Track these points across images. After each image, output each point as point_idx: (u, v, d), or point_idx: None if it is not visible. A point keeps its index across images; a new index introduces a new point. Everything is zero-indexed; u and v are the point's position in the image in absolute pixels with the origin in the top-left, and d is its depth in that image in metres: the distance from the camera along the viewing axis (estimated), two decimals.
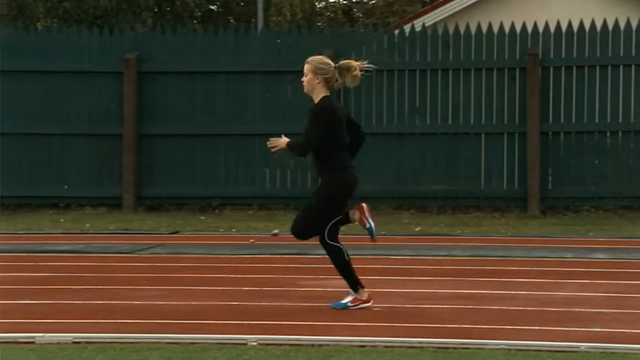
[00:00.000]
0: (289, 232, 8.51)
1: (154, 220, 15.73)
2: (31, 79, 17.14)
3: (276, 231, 14.15)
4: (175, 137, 17.15)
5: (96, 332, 7.19)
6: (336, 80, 8.32)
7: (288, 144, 8.41)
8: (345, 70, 8.31)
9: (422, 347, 6.85)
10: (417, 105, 16.83)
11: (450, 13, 20.33)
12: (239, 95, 17.19)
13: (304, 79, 8.32)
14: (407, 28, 17.66)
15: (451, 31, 16.88)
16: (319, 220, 8.26)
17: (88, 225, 15.07)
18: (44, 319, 7.73)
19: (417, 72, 16.78)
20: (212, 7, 28.38)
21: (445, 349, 6.82)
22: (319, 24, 28.84)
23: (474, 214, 16.40)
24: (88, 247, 12.51)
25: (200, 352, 6.65)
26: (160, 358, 6.48)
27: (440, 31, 17.00)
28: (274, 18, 27.21)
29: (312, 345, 6.87)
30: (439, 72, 16.76)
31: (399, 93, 16.88)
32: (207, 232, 14.39)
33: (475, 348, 6.86)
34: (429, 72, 16.77)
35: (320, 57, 8.43)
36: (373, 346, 6.86)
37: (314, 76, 8.27)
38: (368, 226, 8.46)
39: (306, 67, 8.31)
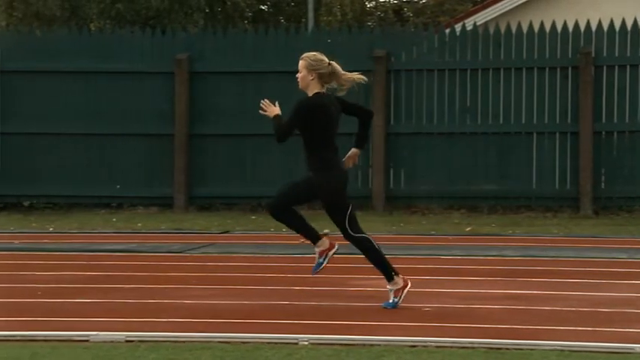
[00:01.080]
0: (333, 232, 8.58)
1: (204, 219, 15.80)
2: (86, 80, 17.29)
3: (326, 230, 14.10)
4: (226, 137, 17.22)
5: (148, 331, 7.23)
6: (329, 76, 8.25)
7: (274, 117, 8.37)
8: (336, 75, 8.26)
9: (473, 348, 6.82)
10: (468, 104, 16.76)
11: (502, 11, 20.22)
12: (289, 95, 17.16)
13: (298, 75, 8.31)
14: (458, 27, 17.58)
15: (503, 30, 16.78)
16: (342, 217, 8.24)
17: (139, 224, 15.18)
18: (97, 317, 7.80)
19: (468, 71, 16.71)
20: (263, 8, 28.45)
21: (497, 349, 6.78)
22: (369, 23, 28.79)
23: (526, 214, 16.29)
24: (139, 247, 12.60)
25: (252, 352, 6.67)
26: (212, 357, 6.50)
27: (491, 30, 16.91)
28: (325, 18, 27.24)
29: (364, 345, 6.86)
30: (490, 71, 16.67)
31: (449, 92, 16.81)
32: (257, 231, 14.43)
33: (527, 349, 6.81)
34: (480, 71, 16.69)
35: (314, 53, 8.40)
36: (424, 346, 6.84)
37: (308, 72, 8.28)
38: (321, 260, 8.36)
39: (301, 63, 8.33)
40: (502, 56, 16.65)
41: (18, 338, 6.99)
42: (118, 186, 17.27)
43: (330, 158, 8.33)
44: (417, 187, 16.88)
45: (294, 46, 17.27)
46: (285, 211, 8.37)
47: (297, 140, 17.36)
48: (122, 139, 17.24)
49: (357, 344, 6.88)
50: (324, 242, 8.42)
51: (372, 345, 6.85)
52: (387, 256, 11.51)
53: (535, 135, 16.62)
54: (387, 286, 8.33)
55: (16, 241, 13.16)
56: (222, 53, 17.36)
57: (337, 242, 8.52)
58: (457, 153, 16.73)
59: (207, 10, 25.52)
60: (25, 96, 17.35)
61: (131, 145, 17.25)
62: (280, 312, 8.13)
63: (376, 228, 14.73)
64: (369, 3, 32.07)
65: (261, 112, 8.47)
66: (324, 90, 8.33)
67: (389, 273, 8.33)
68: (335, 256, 11.59)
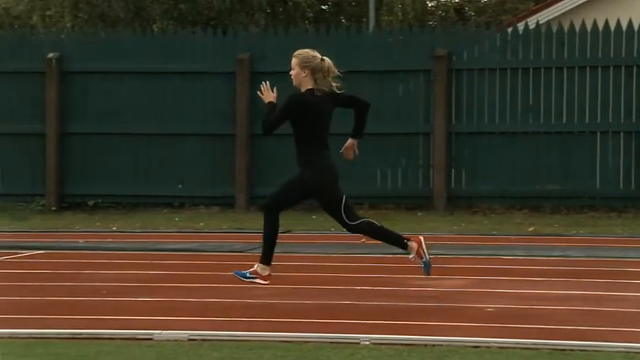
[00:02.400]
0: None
1: None
2: (149, 80, 17.44)
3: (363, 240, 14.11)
4: (286, 137, 17.03)
5: (211, 330, 7.27)
6: (323, 73, 8.25)
7: (268, 104, 8.39)
8: (329, 72, 8.26)
9: (537, 349, 6.76)
10: (531, 103, 16.64)
11: (564, 10, 20.05)
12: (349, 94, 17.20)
13: (292, 72, 8.33)
14: (520, 25, 17.47)
15: (566, 28, 16.63)
16: (336, 210, 8.30)
17: (201, 224, 15.28)
18: (161, 316, 7.86)
19: (531, 70, 16.59)
20: (324, 7, 28.47)
21: (561, 350, 6.72)
22: (431, 23, 28.70)
23: (589, 214, 16.13)
24: (202, 246, 12.68)
25: (313, 351, 6.68)
26: (274, 356, 6.52)
27: (554, 29, 16.77)
28: (386, 17, 27.19)
29: (425, 345, 6.84)
30: (553, 70, 16.53)
31: (511, 92, 16.70)
32: (318, 231, 14.46)
33: (592, 350, 6.74)
34: (542, 70, 16.56)
35: (307, 50, 8.47)
36: (487, 346, 6.79)
37: (301, 69, 8.33)
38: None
39: (293, 60, 8.39)
40: (565, 55, 16.50)
41: (84, 336, 7.08)
42: (181, 186, 17.39)
43: (319, 154, 8.38)
44: (478, 186, 16.79)
45: (355, 46, 17.28)
46: (279, 211, 8.37)
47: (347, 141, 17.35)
48: (184, 139, 17.36)
49: (419, 344, 6.85)
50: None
51: (434, 345, 6.83)
52: (446, 256, 11.49)
53: (599, 134, 16.44)
54: (409, 257, 8.41)
55: (81, 240, 13.33)
56: (284, 53, 17.34)
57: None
58: (519, 152, 16.61)
59: (268, 10, 25.60)
60: (90, 96, 17.56)
61: (193, 145, 17.37)
62: (341, 312, 8.13)
63: (437, 228, 14.70)
64: (430, 2, 31.95)
65: (258, 92, 8.49)
66: (317, 86, 8.29)
67: (402, 243, 8.43)
68: (396, 256, 11.61)
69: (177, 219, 15.99)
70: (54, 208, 17.27)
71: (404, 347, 6.79)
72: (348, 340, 6.98)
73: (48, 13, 26.33)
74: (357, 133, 8.68)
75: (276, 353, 6.59)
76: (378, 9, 26.14)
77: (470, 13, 32.36)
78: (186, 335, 7.06)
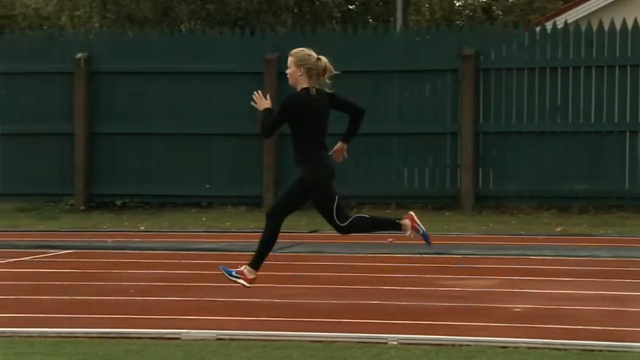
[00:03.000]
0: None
1: (293, 218, 15.70)
2: (177, 80, 17.50)
3: (390, 239, 14.10)
4: None
5: (239, 329, 7.28)
6: (319, 72, 8.26)
7: (263, 110, 8.40)
8: (325, 71, 8.27)
9: (565, 349, 6.73)
10: (559, 103, 16.57)
11: (593, 9, 19.95)
12: (377, 94, 17.20)
13: (288, 71, 8.35)
14: (548, 25, 17.39)
15: (594, 27, 16.55)
16: (328, 211, 8.34)
17: (229, 223, 15.31)
18: (189, 315, 7.88)
19: (559, 69, 16.52)
20: (351, 7, 28.47)
21: (590, 351, 6.69)
22: (458, 22, 28.63)
23: (618, 214, 16.04)
24: (229, 246, 12.70)
25: (341, 351, 6.67)
26: (303, 356, 6.53)
27: (583, 28, 16.69)
28: (413, 17, 27.16)
29: (453, 345, 6.82)
30: (582, 69, 16.46)
31: (539, 91, 16.65)
32: None
33: (621, 351, 6.70)
34: (571, 69, 16.49)
35: (302, 49, 8.47)
36: (515, 347, 6.77)
37: (297, 68, 8.32)
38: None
39: (289, 60, 8.38)
40: (594, 54, 16.43)
41: (112, 335, 7.11)
42: (208, 185, 17.44)
43: (314, 152, 8.37)
44: (506, 186, 16.74)
45: (383, 46, 17.27)
46: (281, 217, 8.47)
47: (381, 139, 17.40)
48: (212, 139, 17.41)
49: (447, 344, 6.84)
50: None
51: (461, 345, 6.81)
52: (474, 256, 11.46)
53: (628, 134, 16.36)
54: (407, 233, 8.43)
55: (109, 240, 13.39)
56: None
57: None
58: (547, 152, 16.55)
59: (295, 10, 25.63)
60: (118, 96, 17.64)
61: (221, 144, 17.41)
62: (369, 311, 8.12)
63: (465, 228, 14.67)
64: (457, 2, 31.88)
65: (252, 103, 8.50)
66: (313, 85, 8.30)
67: (396, 225, 8.46)
68: (424, 256, 11.60)
69: (204, 219, 16.03)
70: (82, 208, 17.36)
71: (432, 347, 6.78)
72: (376, 339, 6.98)
73: (77, 13, 26.48)
74: (347, 138, 8.68)
75: (304, 353, 6.60)
76: (405, 8, 26.12)
77: (497, 12, 32.27)
78: (214, 335, 7.07)
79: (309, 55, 8.33)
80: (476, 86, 16.70)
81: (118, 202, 17.60)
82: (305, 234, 14.20)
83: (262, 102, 8.46)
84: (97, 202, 17.65)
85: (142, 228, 15.04)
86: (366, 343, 6.91)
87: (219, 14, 25.05)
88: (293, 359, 6.44)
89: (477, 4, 32.37)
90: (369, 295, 8.86)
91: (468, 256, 11.65)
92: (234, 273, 8.39)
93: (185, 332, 7.11)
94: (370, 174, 17.18)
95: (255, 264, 8.43)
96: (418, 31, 18.85)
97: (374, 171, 17.18)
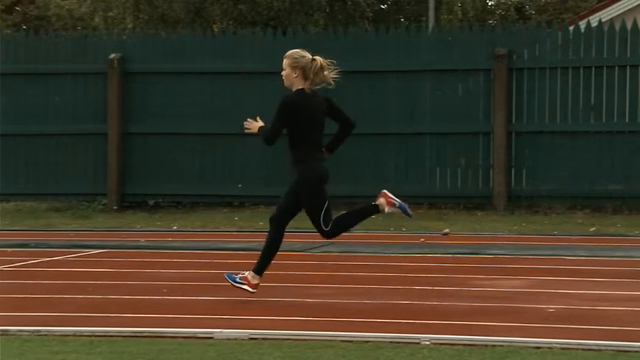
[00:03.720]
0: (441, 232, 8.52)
1: None
2: (209, 81, 17.55)
3: (446, 230, 14.09)
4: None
5: (271, 329, 7.29)
6: (314, 73, 8.25)
7: (259, 129, 8.40)
8: (321, 71, 8.25)
9: (600, 350, 6.69)
10: (592, 103, 16.47)
11: (627, 8, 19.84)
12: (409, 94, 17.18)
13: (283, 73, 8.35)
14: (582, 24, 17.30)
15: (629, 26, 16.44)
16: (316, 214, 8.33)
17: (261, 223, 15.32)
18: (221, 315, 7.90)
19: (593, 69, 16.42)
20: (383, 7, 28.44)
21: (625, 352, 6.64)
22: (491, 21, 28.54)
23: None
24: (261, 245, 12.68)
25: (374, 351, 6.67)
26: (335, 355, 6.52)
27: (617, 27, 16.58)
28: (445, 16, 27.09)
29: (486, 345, 6.79)
30: (616, 69, 16.36)
31: (573, 91, 16.56)
32: (378, 230, 14.44)
33: None
34: (605, 69, 16.39)
35: (297, 50, 8.45)
36: (549, 347, 6.73)
37: (292, 70, 8.32)
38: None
39: (284, 61, 8.38)
40: (628, 53, 16.32)
41: (145, 334, 7.14)
42: (240, 185, 17.48)
43: (310, 153, 8.40)
44: (539, 186, 16.67)
45: (415, 45, 17.24)
46: (284, 223, 8.53)
47: (413, 139, 17.38)
48: (244, 139, 17.43)
49: (480, 345, 6.82)
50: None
51: (494, 346, 6.78)
52: (507, 256, 11.42)
53: None
54: (386, 210, 8.48)
55: (142, 240, 13.45)
56: (343, 53, 17.41)
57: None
58: (581, 152, 16.46)
59: (327, 10, 25.63)
60: (150, 97, 17.72)
61: (253, 144, 17.44)
62: (401, 311, 8.11)
63: (497, 228, 14.62)
64: (490, 1, 31.78)
65: (246, 131, 8.51)
66: (308, 87, 8.31)
67: (374, 208, 8.51)
68: (457, 256, 11.57)
69: (237, 218, 16.06)
70: (115, 208, 17.44)
71: (464, 347, 6.76)
72: (409, 340, 6.96)
73: (110, 14, 26.61)
74: (332, 148, 8.68)
75: (336, 352, 6.59)
76: (437, 8, 26.07)
77: (530, 11, 32.15)
78: (247, 334, 7.09)
79: (304, 57, 8.35)
80: (508, 86, 16.63)
81: (151, 202, 17.68)
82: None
83: (254, 124, 8.53)
84: (130, 202, 17.73)
85: (175, 227, 15.09)
86: (398, 343, 6.90)
87: (251, 14, 25.09)
88: (325, 359, 6.44)
89: (509, 3, 32.26)
90: (401, 295, 8.85)
91: (500, 256, 11.61)
92: (237, 279, 8.42)
93: (218, 332, 7.12)
94: (402, 174, 17.15)
95: (259, 270, 8.46)
96: (451, 31, 18.79)
97: (406, 171, 17.16)
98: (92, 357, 6.45)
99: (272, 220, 8.60)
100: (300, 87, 8.34)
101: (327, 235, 8.50)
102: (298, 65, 8.30)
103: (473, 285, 9.51)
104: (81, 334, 7.13)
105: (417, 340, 6.93)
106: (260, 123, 8.53)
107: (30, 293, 8.99)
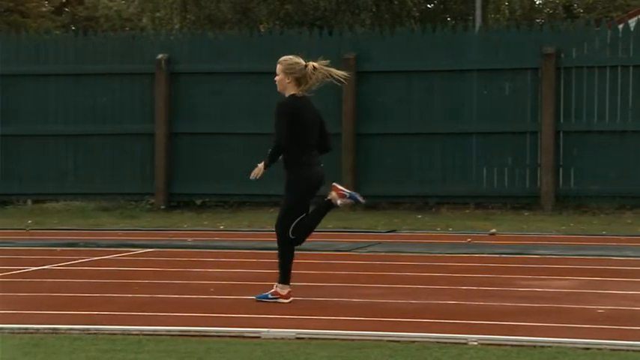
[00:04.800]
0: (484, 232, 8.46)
1: (371, 218, 15.86)
2: (256, 80, 17.59)
3: (493, 230, 14.02)
4: (391, 136, 17.25)
5: (318, 329, 7.30)
6: (309, 79, 8.33)
7: (265, 163, 8.59)
8: (314, 75, 8.31)
9: None
10: None
11: None
12: (456, 94, 17.12)
13: (276, 78, 8.49)
14: (631, 22, 17.14)
15: None
16: (290, 217, 8.43)
17: None
18: (268, 314, 7.92)
19: None
20: (429, 6, 28.35)
21: None
22: (538, 20, 28.37)
23: None
24: (307, 245, 12.61)
25: (421, 351, 6.65)
26: (382, 355, 6.52)
27: None
28: (492, 15, 26.96)
29: (534, 346, 6.75)
30: None
31: (622, 90, 16.41)
32: (424, 230, 14.41)
33: None
34: None
35: (291, 57, 8.54)
36: (598, 348, 6.68)
37: (285, 75, 8.48)
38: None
39: (278, 67, 8.53)
40: None
41: (193, 333, 7.17)
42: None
43: (304, 156, 8.51)
44: (587, 186, 16.54)
45: (461, 45, 17.17)
46: (295, 228, 8.51)
47: (460, 139, 17.29)
48: None
49: (528, 345, 6.78)
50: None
51: (542, 347, 6.74)
52: (555, 256, 11.34)
53: None
54: (338, 203, 8.52)
55: (189, 239, 13.51)
56: (389, 53, 17.39)
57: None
58: (630, 151, 16.31)
59: (374, 10, 25.59)
60: (197, 97, 17.80)
61: None
62: (448, 311, 8.09)
63: (545, 228, 14.53)
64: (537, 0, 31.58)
65: (252, 178, 8.55)
66: (301, 92, 8.41)
67: (329, 203, 8.50)
68: (503, 256, 11.51)
69: None
70: (162, 207, 17.54)
71: (512, 348, 6.72)
72: (456, 340, 6.94)
73: (157, 15, 26.77)
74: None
75: (383, 352, 6.59)
76: (484, 7, 25.95)
77: (579, 9, 31.90)
78: (294, 334, 7.10)
79: (297, 64, 8.47)
80: (556, 85, 16.52)
81: (198, 202, 17.76)
82: (383, 234, 14.19)
83: (258, 169, 8.58)
84: (177, 202, 17.82)
85: (222, 227, 15.15)
86: (445, 343, 6.88)
87: (298, 14, 25.12)
88: (372, 359, 6.43)
89: (557, 1, 32.04)
90: (448, 295, 8.82)
91: (547, 256, 11.53)
92: (270, 295, 8.46)
93: (265, 331, 7.14)
94: (449, 174, 17.10)
95: (284, 279, 8.50)
96: (498, 30, 18.69)
97: (452, 171, 17.10)
98: (140, 356, 6.50)
99: (277, 227, 8.62)
100: (292, 92, 8.47)
101: (292, 242, 8.48)
102: (291, 72, 8.40)
103: (520, 285, 9.46)
104: (129, 333, 7.18)
105: (465, 341, 6.90)
106: (261, 164, 8.62)
107: (79, 292, 9.07)
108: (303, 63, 8.46)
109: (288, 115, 8.43)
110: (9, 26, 29.45)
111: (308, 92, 8.51)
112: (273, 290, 8.54)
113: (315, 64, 8.46)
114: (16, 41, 18.71)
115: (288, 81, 8.47)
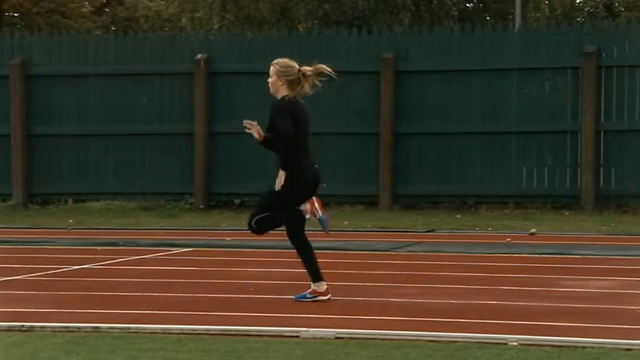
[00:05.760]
0: (538, 232, 8.42)
1: (409, 218, 15.83)
2: None
3: (533, 230, 13.95)
4: (430, 136, 17.21)
5: (357, 328, 7.30)
6: (300, 82, 8.40)
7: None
8: (308, 77, 8.35)
9: None
10: None
11: None
12: (495, 93, 17.06)
13: (269, 80, 8.52)
14: None
15: None
16: (265, 209, 8.40)
17: (346, 222, 15.34)
18: (307, 314, 7.93)
19: None
20: (469, 5, 28.24)
21: None
22: (579, 19, 28.18)
23: None
24: (346, 245, 12.74)
25: (460, 351, 6.63)
26: (421, 355, 6.50)
27: None
28: (532, 14, 26.81)
29: (575, 347, 6.71)
30: None
31: None
32: (463, 230, 14.36)
33: None
34: None
35: (285, 60, 8.59)
36: None
37: (277, 78, 8.53)
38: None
39: (271, 69, 8.56)
40: None
41: (232, 333, 7.19)
42: (325, 184, 17.47)
43: (299, 157, 8.52)
44: (628, 186, 16.42)
45: (501, 44, 17.11)
46: (302, 231, 8.57)
47: (499, 138, 17.21)
48: (328, 138, 17.48)
49: (569, 346, 6.73)
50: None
51: (584, 347, 6.69)
52: (595, 256, 11.27)
53: None
54: (307, 217, 8.49)
55: (228, 238, 13.55)
56: (428, 52, 17.36)
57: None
58: None
59: (413, 9, 25.54)
60: (236, 96, 17.85)
61: (337, 144, 17.47)
62: (488, 311, 8.05)
63: (585, 228, 14.43)
64: None
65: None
66: (293, 95, 8.49)
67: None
68: (543, 256, 11.44)
69: None
70: (202, 207, 17.61)
71: (553, 349, 6.68)
72: (496, 340, 6.91)
73: (196, 15, 26.87)
74: (268, 138, 8.59)
75: (422, 352, 6.57)
76: (524, 6, 25.81)
77: (620, 8, 31.64)
78: (333, 333, 7.10)
79: (291, 67, 8.54)
80: (597, 84, 16.42)
81: (237, 201, 17.81)
82: (422, 233, 14.16)
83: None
84: (216, 201, 17.89)
85: None
86: (485, 343, 6.85)
87: (336, 14, 25.12)
88: (411, 359, 6.42)
89: (598, 0, 31.80)
90: (488, 295, 8.79)
91: (588, 256, 11.46)
92: (308, 295, 8.50)
93: (304, 330, 7.15)
94: (488, 173, 17.03)
95: (316, 277, 8.55)
96: (538, 29, 18.60)
97: (492, 170, 17.03)
98: (181, 355, 6.53)
99: (288, 237, 8.65)
100: (284, 94, 8.53)
101: (253, 230, 8.51)
102: (284, 75, 8.49)
103: (560, 285, 9.40)
104: (170, 332, 7.22)
105: (505, 341, 6.87)
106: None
107: (119, 291, 9.13)
108: (297, 67, 8.52)
109: (288, 110, 8.47)
110: (50, 27, 29.68)
111: (300, 97, 8.57)
112: (310, 290, 8.57)
113: (305, 71, 8.44)
114: (57, 42, 18.86)
115: (280, 83, 8.56)
